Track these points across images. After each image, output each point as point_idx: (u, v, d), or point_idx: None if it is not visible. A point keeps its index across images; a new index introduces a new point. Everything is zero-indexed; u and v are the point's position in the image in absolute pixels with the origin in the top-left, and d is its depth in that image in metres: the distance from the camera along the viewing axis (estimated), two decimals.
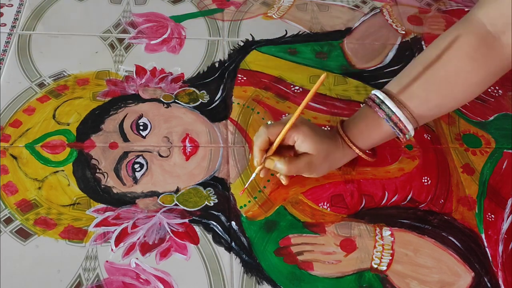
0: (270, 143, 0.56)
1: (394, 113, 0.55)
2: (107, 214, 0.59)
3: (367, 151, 0.60)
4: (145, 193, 0.61)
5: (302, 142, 0.56)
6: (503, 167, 0.69)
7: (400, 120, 0.55)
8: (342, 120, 0.61)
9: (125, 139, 0.65)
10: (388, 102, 0.55)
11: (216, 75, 0.75)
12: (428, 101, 0.56)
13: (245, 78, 0.75)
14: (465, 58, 0.54)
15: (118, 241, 0.57)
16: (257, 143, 0.56)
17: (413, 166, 0.67)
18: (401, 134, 0.57)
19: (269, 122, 0.57)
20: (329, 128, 0.69)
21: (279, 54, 0.79)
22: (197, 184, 0.62)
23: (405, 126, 0.56)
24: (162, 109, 0.69)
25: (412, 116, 0.56)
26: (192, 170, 0.64)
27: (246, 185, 0.61)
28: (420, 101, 0.56)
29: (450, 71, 0.54)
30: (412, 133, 0.57)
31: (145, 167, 0.63)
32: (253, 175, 0.59)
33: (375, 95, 0.57)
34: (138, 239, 0.57)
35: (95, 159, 0.63)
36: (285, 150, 0.58)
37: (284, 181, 0.60)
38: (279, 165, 0.56)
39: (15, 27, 0.78)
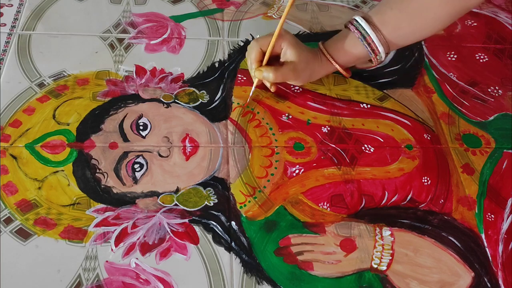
0: (263, 54, 0.66)
1: (369, 34, 0.63)
2: (107, 214, 0.59)
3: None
4: (145, 193, 0.61)
5: (287, 49, 0.64)
6: (503, 167, 0.69)
7: (373, 41, 0.64)
8: (324, 41, 0.69)
9: (125, 139, 0.65)
10: (365, 25, 0.63)
11: (216, 75, 0.75)
12: (399, 28, 0.64)
13: (245, 78, 0.75)
14: None
15: (118, 241, 0.57)
16: (251, 56, 0.66)
17: (413, 166, 0.67)
18: (373, 54, 0.65)
19: (257, 36, 0.66)
20: (328, 129, 0.70)
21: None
22: (197, 184, 0.62)
23: (377, 47, 0.64)
24: (162, 109, 0.69)
25: (385, 40, 0.64)
26: (192, 170, 0.64)
27: (248, 100, 0.71)
28: (393, 27, 0.63)
29: (421, 4, 0.61)
30: (383, 55, 0.65)
31: (145, 167, 0.63)
32: (253, 88, 0.69)
33: (355, 19, 0.65)
34: (138, 239, 0.57)
35: (95, 159, 0.63)
36: (274, 63, 0.66)
37: (272, 88, 0.70)
38: (266, 73, 0.65)
39: (15, 27, 0.78)
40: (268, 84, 0.69)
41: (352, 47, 0.66)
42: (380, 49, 0.64)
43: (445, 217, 0.63)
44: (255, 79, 0.68)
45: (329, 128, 0.70)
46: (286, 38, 0.64)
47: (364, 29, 0.63)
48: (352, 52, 0.66)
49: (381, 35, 0.63)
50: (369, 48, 0.64)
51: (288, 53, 0.64)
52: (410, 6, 0.61)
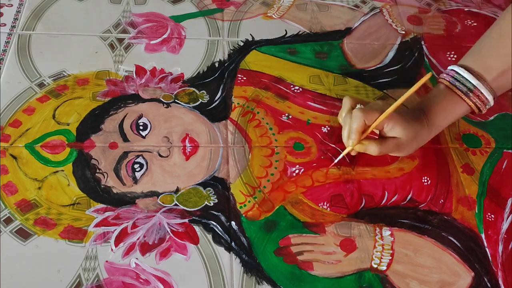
0: (365, 127, 0.60)
1: (476, 86, 0.58)
2: (107, 214, 0.59)
3: None
4: (145, 193, 0.61)
5: (391, 129, 0.59)
6: (503, 167, 0.69)
7: (481, 93, 0.58)
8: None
9: (125, 139, 0.65)
10: (468, 76, 0.58)
11: (216, 75, 0.75)
12: (506, 71, 0.58)
13: (245, 78, 0.75)
14: None
15: (118, 241, 0.57)
16: (354, 126, 0.59)
17: (413, 166, 0.67)
18: (482, 105, 0.59)
19: (358, 106, 0.61)
20: (328, 129, 0.69)
21: (279, 54, 0.79)
22: (197, 184, 0.62)
23: (486, 98, 0.59)
24: (162, 109, 0.69)
25: (491, 87, 0.58)
26: (192, 170, 0.64)
27: (336, 161, 0.65)
28: (497, 73, 0.58)
29: None
30: (491, 103, 0.60)
31: (145, 167, 0.63)
32: (345, 151, 0.63)
33: (454, 70, 0.60)
34: (138, 239, 0.57)
35: (95, 159, 0.63)
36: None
37: (352, 152, 0.64)
38: (372, 147, 0.60)
39: (15, 27, 0.78)
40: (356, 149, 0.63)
41: (457, 105, 0.60)
42: (489, 98, 0.59)
43: (445, 217, 0.63)
44: (349, 146, 0.61)
45: (329, 128, 0.70)
46: (391, 117, 0.58)
47: (469, 81, 0.58)
48: (459, 109, 0.61)
49: (487, 83, 0.58)
50: (478, 101, 0.59)
51: (392, 132, 0.59)
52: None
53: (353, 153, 0.64)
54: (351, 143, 0.60)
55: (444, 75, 0.61)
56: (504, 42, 0.58)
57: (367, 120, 0.58)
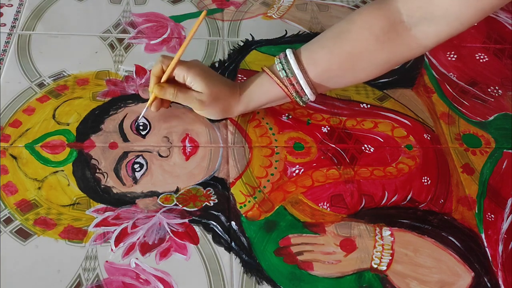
0: (163, 72, 0.61)
1: (295, 75, 0.58)
2: (107, 214, 0.59)
3: None
4: (145, 193, 0.61)
5: (191, 81, 0.60)
6: (503, 167, 0.69)
7: (299, 82, 0.59)
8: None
9: (125, 139, 0.65)
10: (293, 63, 0.58)
11: None
12: (329, 70, 0.59)
13: (245, 78, 0.75)
14: (372, 39, 0.55)
15: (118, 241, 0.57)
16: (152, 70, 0.62)
17: (413, 166, 0.67)
18: (295, 94, 0.60)
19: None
20: (328, 128, 0.70)
21: (279, 54, 0.79)
22: (197, 184, 0.62)
23: (302, 89, 0.59)
24: (161, 109, 0.69)
25: (311, 81, 0.59)
26: (192, 170, 0.64)
27: (141, 115, 0.66)
28: (322, 69, 0.58)
29: (356, 47, 0.56)
30: (310, 97, 0.60)
31: (145, 167, 0.63)
32: (147, 104, 0.64)
33: (285, 53, 0.60)
34: (138, 239, 0.57)
35: (95, 159, 0.63)
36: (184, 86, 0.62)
37: (153, 108, 0.65)
38: (170, 90, 0.61)
39: (15, 27, 0.78)
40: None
41: (272, 88, 0.61)
42: (307, 91, 0.59)
43: (445, 217, 0.63)
44: (151, 94, 0.63)
45: (329, 128, 0.70)
46: (192, 70, 0.60)
47: (291, 67, 0.58)
48: (270, 95, 0.63)
49: (308, 76, 0.59)
50: (291, 89, 0.59)
51: (194, 85, 0.61)
52: (343, 48, 0.57)
53: (153, 109, 0.65)
54: (150, 88, 0.62)
55: (279, 53, 0.61)
56: (335, 42, 0.58)
57: (165, 66, 0.60)
